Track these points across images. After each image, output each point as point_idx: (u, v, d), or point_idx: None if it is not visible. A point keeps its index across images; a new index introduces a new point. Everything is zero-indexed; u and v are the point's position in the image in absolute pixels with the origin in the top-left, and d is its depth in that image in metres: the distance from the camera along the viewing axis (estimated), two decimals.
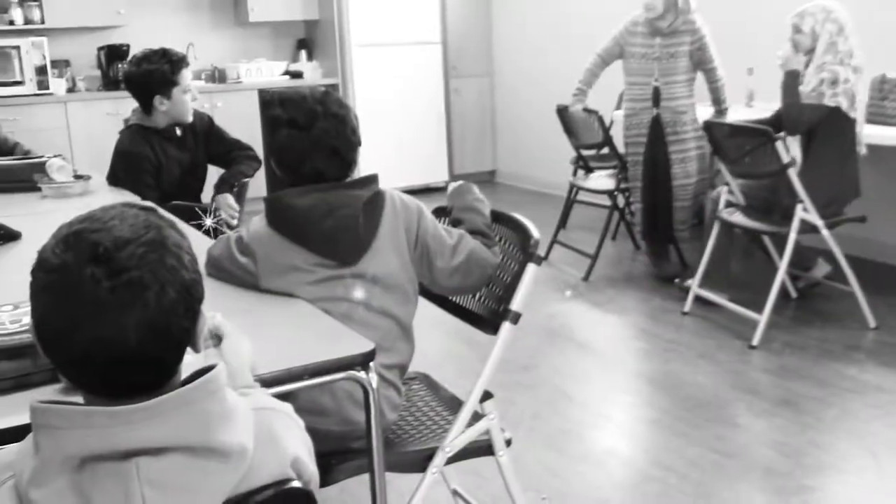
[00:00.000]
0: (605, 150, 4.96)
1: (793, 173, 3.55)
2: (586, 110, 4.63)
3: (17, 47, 5.85)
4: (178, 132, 3.42)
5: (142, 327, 0.97)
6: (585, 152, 5.13)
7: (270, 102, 1.71)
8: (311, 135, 1.87)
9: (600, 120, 4.55)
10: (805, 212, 3.58)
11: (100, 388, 1.00)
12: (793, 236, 3.57)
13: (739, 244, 4.01)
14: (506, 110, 7.43)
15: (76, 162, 5.49)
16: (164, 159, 3.38)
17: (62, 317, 0.96)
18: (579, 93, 4.65)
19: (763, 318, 3.60)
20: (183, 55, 3.37)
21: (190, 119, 3.40)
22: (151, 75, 3.29)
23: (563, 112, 4.82)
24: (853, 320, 3.81)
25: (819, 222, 3.61)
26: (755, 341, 3.60)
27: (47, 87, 5.96)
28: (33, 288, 0.99)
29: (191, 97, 3.37)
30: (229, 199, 3.43)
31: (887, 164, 4.47)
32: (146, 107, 3.35)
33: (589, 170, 5.19)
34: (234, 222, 3.40)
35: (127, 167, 3.35)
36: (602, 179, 5.03)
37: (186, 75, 3.34)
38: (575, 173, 5.25)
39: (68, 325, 0.96)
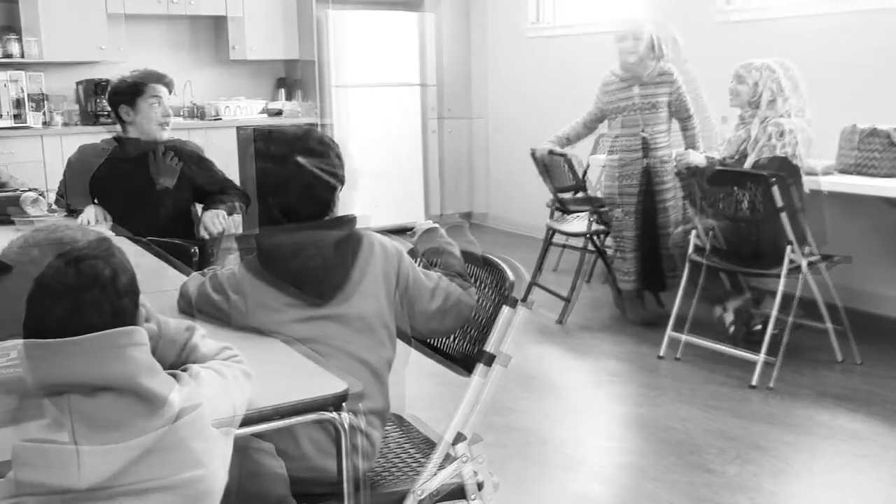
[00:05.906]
0: (580, 195, 4.95)
1: (785, 217, 3.63)
2: (552, 153, 4.64)
3: None
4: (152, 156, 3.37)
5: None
6: (563, 195, 5.13)
7: (253, 137, 1.71)
8: (286, 169, 1.85)
9: (569, 163, 4.55)
10: (793, 253, 3.68)
11: None
12: (783, 278, 3.67)
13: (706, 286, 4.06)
14: (495, 153, 7.47)
15: (51, 196, 5.44)
16: (121, 174, 3.34)
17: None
18: (555, 139, 4.70)
19: (754, 359, 3.62)
20: (162, 74, 3.42)
21: (157, 135, 3.37)
22: (119, 85, 3.41)
23: (534, 154, 4.84)
24: (825, 366, 3.84)
25: (803, 263, 3.72)
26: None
27: (24, 121, 5.94)
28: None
29: (162, 112, 3.36)
30: (218, 212, 3.30)
31: (858, 212, 4.53)
32: (118, 117, 3.43)
33: (567, 212, 5.20)
34: (216, 230, 3.25)
35: (67, 172, 3.52)
36: (577, 222, 5.05)
37: (157, 89, 3.36)
38: (552, 216, 5.25)
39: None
